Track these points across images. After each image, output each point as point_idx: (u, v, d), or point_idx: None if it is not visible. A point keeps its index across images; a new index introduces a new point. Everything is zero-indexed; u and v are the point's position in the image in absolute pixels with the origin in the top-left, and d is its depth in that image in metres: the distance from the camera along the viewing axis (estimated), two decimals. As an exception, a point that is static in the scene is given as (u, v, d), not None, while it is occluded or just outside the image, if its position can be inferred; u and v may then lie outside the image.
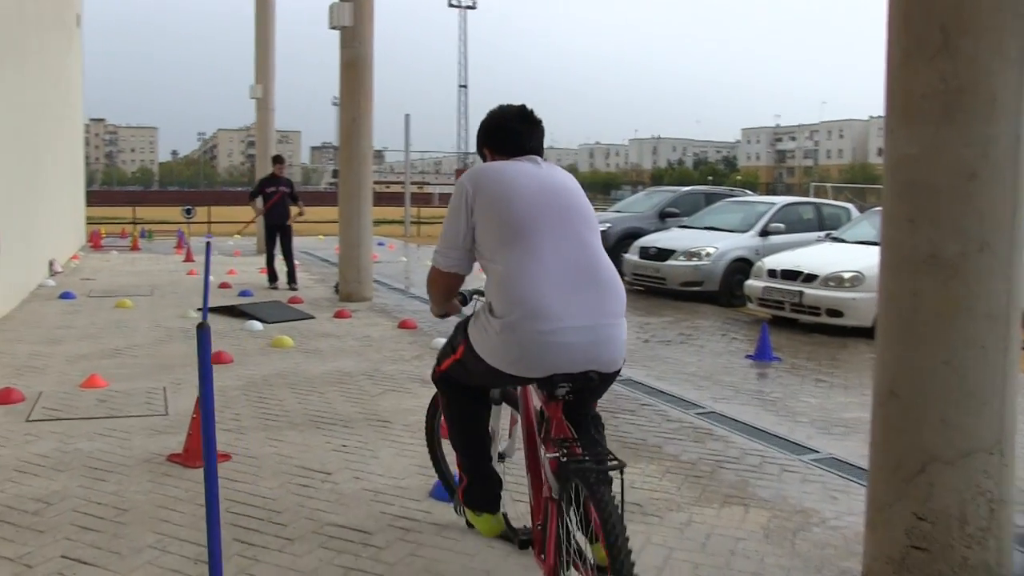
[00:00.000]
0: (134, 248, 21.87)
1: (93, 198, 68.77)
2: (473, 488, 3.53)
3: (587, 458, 2.86)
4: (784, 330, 10.75)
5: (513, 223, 3.04)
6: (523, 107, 3.40)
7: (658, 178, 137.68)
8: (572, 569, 3.03)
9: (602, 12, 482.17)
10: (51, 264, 15.07)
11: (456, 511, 3.87)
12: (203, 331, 2.13)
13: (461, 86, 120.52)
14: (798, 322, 10.99)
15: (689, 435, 6.10)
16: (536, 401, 3.29)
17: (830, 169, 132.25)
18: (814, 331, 10.66)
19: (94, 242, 22.36)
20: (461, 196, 3.17)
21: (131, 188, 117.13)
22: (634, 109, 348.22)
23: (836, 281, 10.47)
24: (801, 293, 10.69)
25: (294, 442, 5.70)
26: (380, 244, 26.20)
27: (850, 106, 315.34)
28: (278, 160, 14.85)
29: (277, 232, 14.20)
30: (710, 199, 18.08)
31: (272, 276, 14.26)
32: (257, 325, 9.97)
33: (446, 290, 3.39)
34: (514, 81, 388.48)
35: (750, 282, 11.71)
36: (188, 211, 21.43)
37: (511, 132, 3.33)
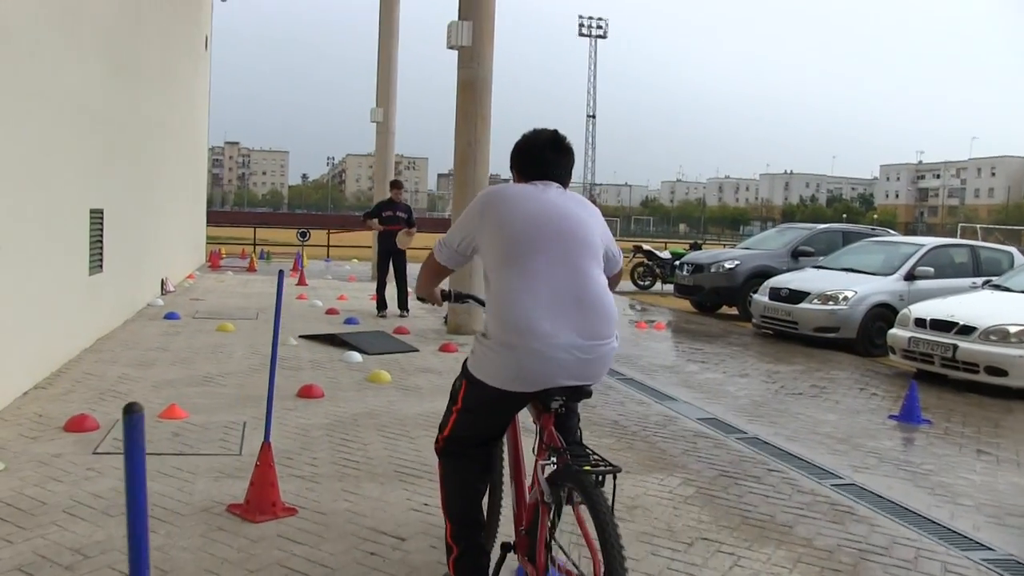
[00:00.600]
0: (250, 269, 21.88)
1: (222, 218, 71.00)
2: (464, 559, 3.47)
3: (582, 463, 2.98)
4: (932, 387, 9.63)
5: (509, 245, 3.20)
6: (556, 133, 3.50)
7: (789, 214, 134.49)
8: (554, 569, 3.20)
9: (734, 43, 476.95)
10: (163, 283, 14.99)
11: None
12: (132, 417, 1.45)
13: (589, 116, 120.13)
14: (948, 379, 9.85)
15: (825, 512, 5.21)
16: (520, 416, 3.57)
17: (978, 209, 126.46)
18: (969, 390, 9.52)
19: (213, 262, 22.50)
20: (471, 212, 3.38)
21: (260, 210, 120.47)
22: (766, 143, 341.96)
23: (999, 335, 9.31)
24: (955, 347, 9.56)
25: (371, 496, 5.06)
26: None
27: (1004, 143, 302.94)
28: (396, 185, 14.51)
29: (390, 258, 13.86)
30: (848, 238, 16.97)
31: (381, 304, 13.83)
32: (356, 356, 9.45)
33: (434, 275, 3.66)
34: (642, 111, 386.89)
35: (894, 331, 10.59)
36: (303, 234, 21.21)
37: (538, 158, 3.44)
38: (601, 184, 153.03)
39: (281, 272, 4.75)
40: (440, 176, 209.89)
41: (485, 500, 3.65)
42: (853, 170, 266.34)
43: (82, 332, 9.17)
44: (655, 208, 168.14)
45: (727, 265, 16.57)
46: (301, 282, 18.53)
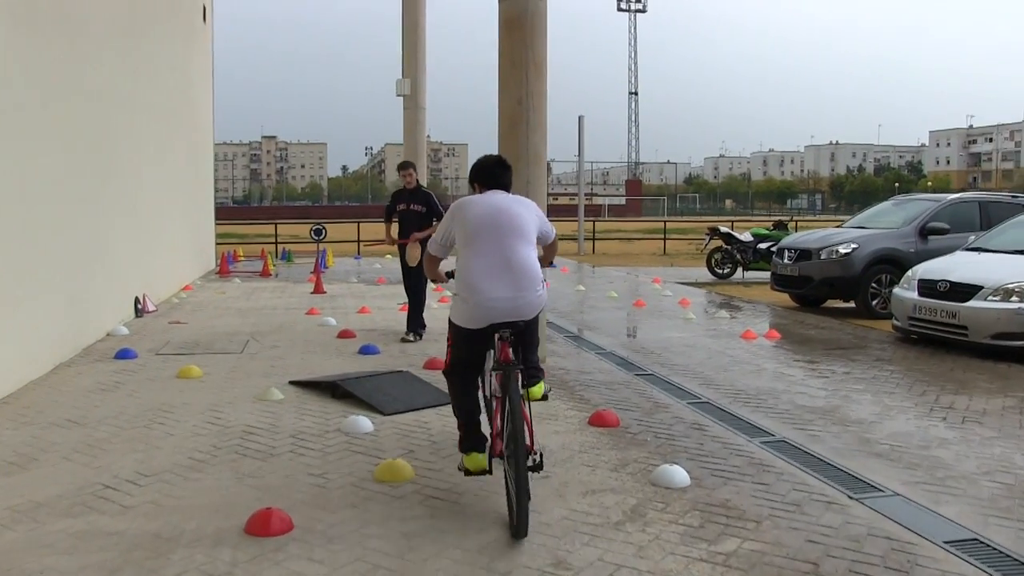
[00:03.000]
0: (263, 274, 18.71)
1: (261, 214, 68.90)
2: (467, 438, 4.88)
3: (508, 367, 4.55)
4: None
5: (467, 235, 4.80)
6: (500, 157, 5.34)
7: (838, 186, 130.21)
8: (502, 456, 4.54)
9: (770, 9, 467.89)
10: (138, 302, 11.92)
11: (460, 468, 4.99)
12: None
13: (631, 93, 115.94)
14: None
15: None
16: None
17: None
18: None
19: (222, 267, 19.39)
20: (447, 218, 5.00)
21: (299, 203, 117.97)
22: (809, 114, 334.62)
23: None
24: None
25: None
26: (551, 266, 22.38)
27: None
28: (404, 167, 10.67)
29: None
30: (989, 210, 13.54)
31: (412, 323, 10.43)
32: (364, 423, 6.23)
33: (433, 263, 5.22)
34: (680, 87, 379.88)
35: None
36: (317, 232, 17.69)
37: (490, 174, 5.12)
38: (644, 163, 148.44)
39: None
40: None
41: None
42: (900, 138, 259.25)
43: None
44: (699, 184, 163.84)
45: (842, 250, 13.14)
46: (317, 289, 15.36)
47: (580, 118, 29.03)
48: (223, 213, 38.27)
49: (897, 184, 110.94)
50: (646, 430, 6.31)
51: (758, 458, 5.66)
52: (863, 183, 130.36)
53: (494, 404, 4.84)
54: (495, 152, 7.37)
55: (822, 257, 13.33)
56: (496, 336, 4.69)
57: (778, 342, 10.46)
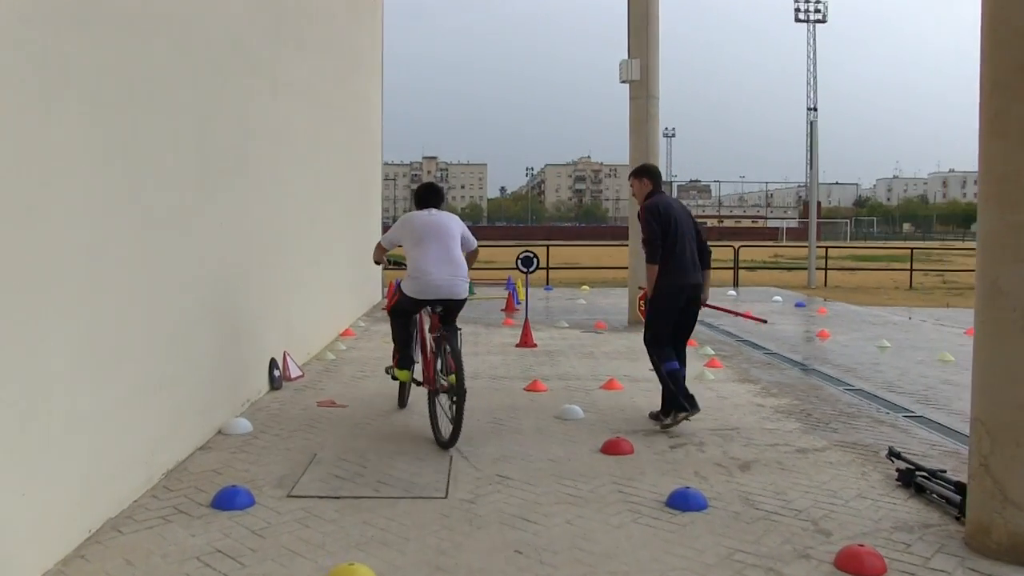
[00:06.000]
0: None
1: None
2: (402, 358, 6.89)
3: (447, 330, 6.39)
4: None
5: (418, 237, 6.55)
6: (431, 183, 7.09)
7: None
8: (440, 391, 6.27)
9: (950, 21, 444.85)
10: (275, 366, 7.86)
11: (387, 372, 7.28)
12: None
13: (810, 109, 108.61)
14: None
15: None
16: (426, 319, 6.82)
17: None
18: None
19: (390, 299, 15.34)
20: (401, 225, 6.75)
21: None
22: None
23: None
24: None
25: None
26: (800, 305, 17.49)
27: None
28: (635, 173, 7.27)
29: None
30: None
31: (677, 400, 6.21)
32: None
33: (381, 252, 7.15)
34: (853, 104, 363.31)
35: None
36: (528, 262, 12.49)
37: (424, 198, 6.88)
38: (823, 184, 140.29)
39: None
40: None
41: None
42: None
43: None
44: (873, 207, 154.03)
45: None
46: (525, 341, 11.05)
47: (812, 123, 24.15)
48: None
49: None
50: None
51: None
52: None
53: (431, 357, 6.59)
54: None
55: None
56: (429, 311, 6.59)
57: None
